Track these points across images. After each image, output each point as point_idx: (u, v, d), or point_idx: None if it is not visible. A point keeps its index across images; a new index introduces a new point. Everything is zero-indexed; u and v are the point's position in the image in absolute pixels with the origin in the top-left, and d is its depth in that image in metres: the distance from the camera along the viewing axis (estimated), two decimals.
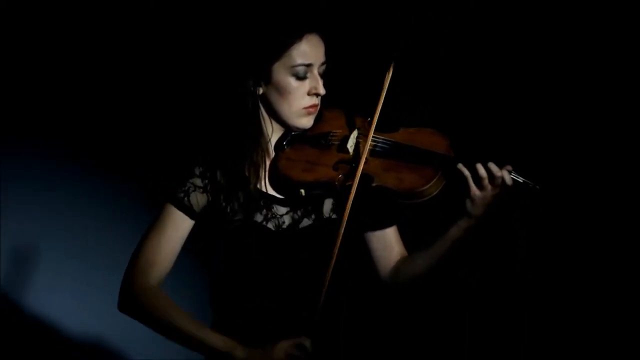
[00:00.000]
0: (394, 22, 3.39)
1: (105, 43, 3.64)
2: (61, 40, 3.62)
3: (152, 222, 2.37)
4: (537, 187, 2.27)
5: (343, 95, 2.49)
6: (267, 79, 2.35)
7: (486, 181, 2.28)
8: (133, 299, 2.33)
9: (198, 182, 2.37)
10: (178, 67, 3.64)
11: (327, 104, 2.44)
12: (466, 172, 2.29)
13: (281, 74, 2.34)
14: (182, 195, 2.36)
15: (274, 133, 2.41)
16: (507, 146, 3.33)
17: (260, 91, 2.37)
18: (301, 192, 2.38)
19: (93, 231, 3.71)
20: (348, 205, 2.27)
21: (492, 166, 2.28)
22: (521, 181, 2.28)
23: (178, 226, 2.36)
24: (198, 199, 2.37)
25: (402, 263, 2.46)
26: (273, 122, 2.40)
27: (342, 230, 2.28)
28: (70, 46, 3.63)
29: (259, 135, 2.39)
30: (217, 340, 2.28)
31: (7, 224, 3.60)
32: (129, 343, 3.69)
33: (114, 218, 3.72)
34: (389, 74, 2.34)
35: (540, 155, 3.31)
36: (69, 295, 3.67)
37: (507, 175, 2.27)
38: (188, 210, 2.36)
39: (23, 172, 3.64)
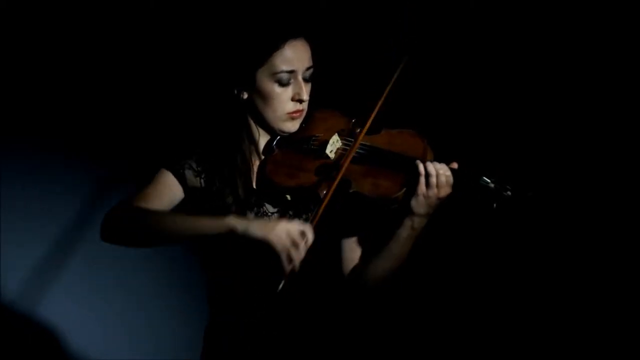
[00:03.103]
0: (390, 24, 3.39)
1: (103, 47, 3.65)
2: (56, 45, 3.63)
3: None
4: (509, 193, 2.26)
5: (338, 95, 2.50)
6: (251, 84, 2.36)
7: (432, 179, 2.27)
8: (117, 221, 2.32)
9: (194, 165, 2.40)
10: (171, 69, 3.64)
11: (320, 104, 2.45)
12: (419, 169, 2.28)
13: (264, 81, 2.35)
14: (177, 166, 2.39)
15: (262, 136, 2.44)
16: (489, 150, 3.34)
17: (245, 96, 2.39)
18: (287, 198, 2.40)
19: (92, 231, 3.72)
20: (320, 210, 2.26)
21: (436, 164, 2.28)
22: (492, 186, 2.27)
23: (169, 187, 2.38)
24: (191, 178, 2.40)
25: (363, 265, 2.44)
26: (259, 125, 2.42)
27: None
28: (65, 51, 3.65)
29: (247, 137, 2.42)
30: (210, 221, 2.25)
31: (7, 224, 3.63)
32: (129, 343, 3.71)
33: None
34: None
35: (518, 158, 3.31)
36: (68, 296, 3.69)
37: (448, 173, 2.27)
38: (181, 178, 2.39)
39: (23, 172, 3.66)
